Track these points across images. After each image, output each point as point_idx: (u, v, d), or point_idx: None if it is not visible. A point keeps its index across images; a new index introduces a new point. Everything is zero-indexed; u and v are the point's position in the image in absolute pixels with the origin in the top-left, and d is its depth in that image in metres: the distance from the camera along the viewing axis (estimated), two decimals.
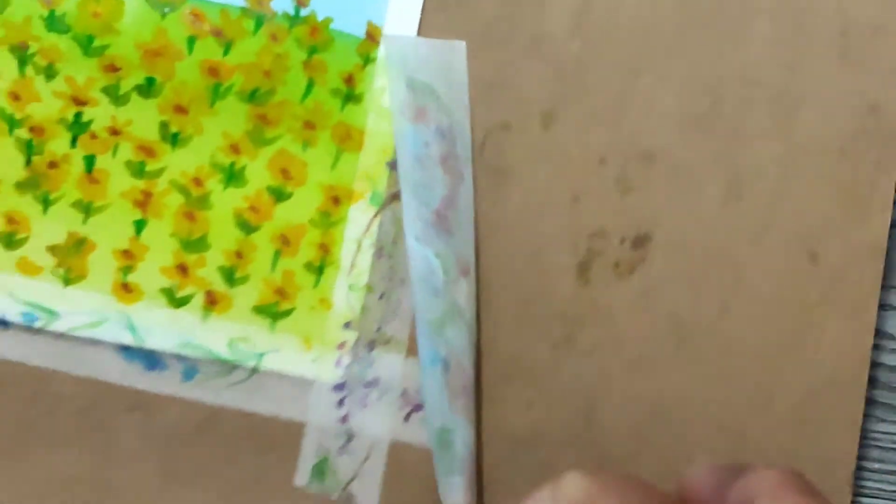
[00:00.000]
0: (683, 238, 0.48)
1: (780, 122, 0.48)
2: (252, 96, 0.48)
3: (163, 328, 0.47)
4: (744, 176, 0.48)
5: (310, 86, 0.48)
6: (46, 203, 0.47)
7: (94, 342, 0.47)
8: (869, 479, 0.58)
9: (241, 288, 0.48)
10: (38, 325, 0.47)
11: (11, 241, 0.47)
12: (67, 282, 0.47)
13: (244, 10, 0.48)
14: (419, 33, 0.47)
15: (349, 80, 0.48)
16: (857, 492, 0.60)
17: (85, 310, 0.47)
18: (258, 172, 0.48)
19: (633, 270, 0.48)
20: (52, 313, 0.47)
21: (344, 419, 0.47)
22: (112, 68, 0.48)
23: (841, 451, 0.47)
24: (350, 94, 0.48)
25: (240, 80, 0.48)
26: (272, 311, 0.47)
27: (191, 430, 0.47)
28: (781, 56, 0.48)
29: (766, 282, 0.48)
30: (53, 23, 0.48)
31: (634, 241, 0.48)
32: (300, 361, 0.47)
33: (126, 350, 0.47)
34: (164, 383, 0.47)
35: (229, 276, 0.48)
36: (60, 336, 0.47)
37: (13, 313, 0.47)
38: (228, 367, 0.47)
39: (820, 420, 0.48)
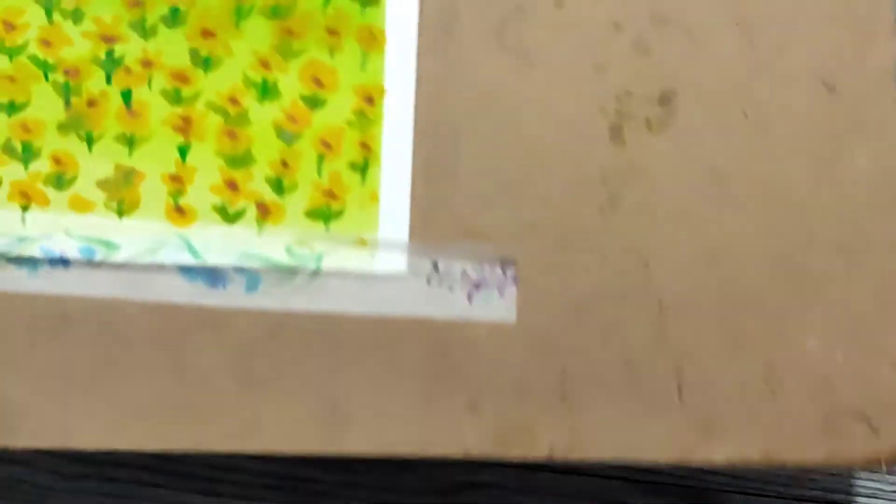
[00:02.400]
0: (706, 90, 0.56)
1: None
2: (275, 12, 0.55)
3: (220, 244, 0.54)
4: (754, 21, 0.56)
5: None
6: (90, 141, 0.54)
7: (156, 267, 0.54)
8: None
9: (291, 196, 0.55)
10: (98, 258, 0.53)
11: (61, 181, 0.54)
12: (121, 213, 0.54)
13: None
14: None
15: None
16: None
17: (142, 238, 0.54)
18: (290, 84, 0.55)
19: (664, 126, 0.55)
20: (110, 245, 0.53)
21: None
22: (136, 3, 0.55)
23: (891, 273, 0.55)
24: None
25: None
26: (324, 213, 0.54)
27: (262, 339, 0.53)
28: None
29: (791, 119, 0.56)
30: None
31: (661, 99, 0.56)
32: (359, 258, 0.54)
33: (187, 271, 0.54)
34: (229, 298, 0.54)
35: (278, 185, 0.55)
36: (122, 266, 0.53)
37: (72, 250, 0.53)
38: (290, 272, 0.54)
39: (864, 246, 0.55)
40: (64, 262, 0.54)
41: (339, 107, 0.55)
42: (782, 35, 0.56)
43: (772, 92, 0.56)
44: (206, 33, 0.55)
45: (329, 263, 0.54)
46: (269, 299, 0.54)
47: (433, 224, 0.55)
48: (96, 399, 0.53)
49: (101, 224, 0.54)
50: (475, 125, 0.55)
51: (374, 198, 0.55)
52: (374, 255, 0.55)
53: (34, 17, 0.55)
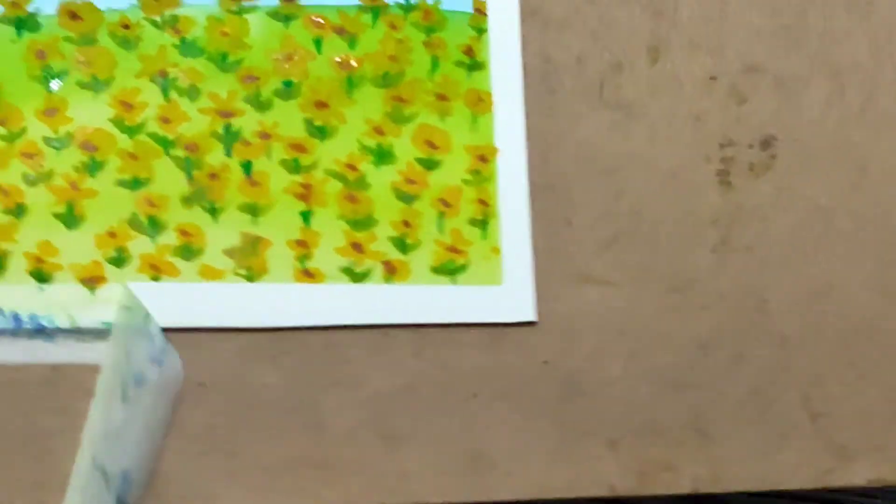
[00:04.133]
0: (802, 133, 0.68)
1: (859, 17, 0.70)
2: (384, 81, 0.67)
3: (347, 302, 0.64)
4: (841, 68, 0.70)
5: (435, 62, 0.68)
6: (214, 212, 0.65)
7: (285, 328, 0.64)
8: None
9: (415, 253, 0.66)
10: (229, 324, 0.64)
11: (189, 252, 0.64)
12: (251, 279, 0.64)
13: (360, 7, 0.68)
14: None
15: (469, 50, 0.68)
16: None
17: (271, 301, 0.64)
18: (405, 148, 0.67)
19: (766, 169, 0.68)
20: (240, 310, 0.64)
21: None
22: (250, 78, 0.66)
23: None
24: (473, 63, 0.68)
25: (370, 68, 0.67)
26: (449, 269, 0.65)
27: (397, 393, 0.64)
28: None
29: (886, 156, 0.69)
30: (186, 48, 0.66)
31: (762, 144, 0.68)
32: (486, 308, 0.65)
33: (317, 329, 0.64)
34: (360, 353, 0.64)
35: (401, 244, 0.66)
36: (252, 331, 0.64)
37: (206, 318, 0.64)
38: (419, 330, 0.65)
39: None
40: (196, 329, 0.64)
41: (455, 167, 0.67)
42: (870, 80, 0.70)
43: (864, 132, 0.69)
44: (320, 104, 0.67)
45: (454, 316, 0.65)
46: (399, 352, 0.64)
47: (553, 272, 0.66)
48: (238, 462, 0.63)
49: (231, 291, 0.64)
50: (585, 177, 0.67)
51: (495, 251, 0.66)
52: (501, 305, 0.66)
53: (151, 97, 0.66)
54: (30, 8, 0.63)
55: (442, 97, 0.64)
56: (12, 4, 0.63)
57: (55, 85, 0.62)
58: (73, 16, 0.63)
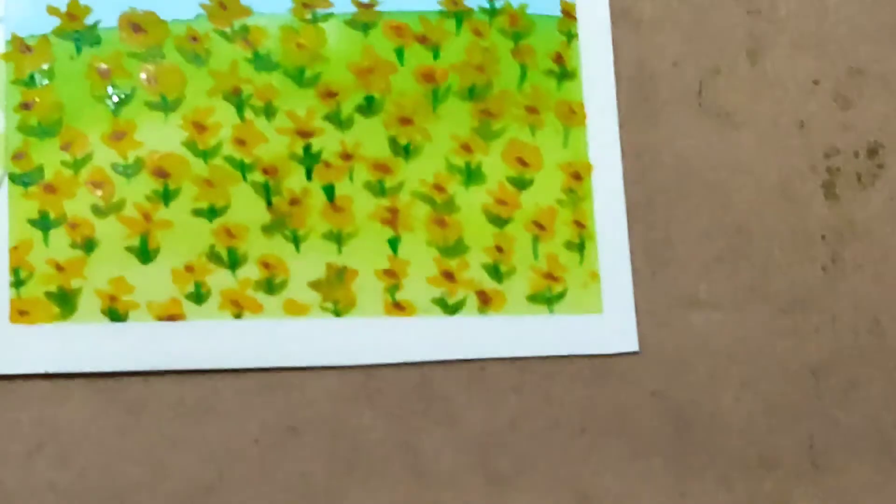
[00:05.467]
0: None
1: None
2: (471, 93, 0.66)
3: (442, 336, 0.64)
4: None
5: (523, 72, 0.66)
6: (297, 241, 0.64)
7: (378, 365, 0.63)
8: None
9: (510, 281, 0.65)
10: (317, 363, 0.63)
11: (272, 286, 0.63)
12: (339, 313, 0.63)
13: (442, 13, 0.66)
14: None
15: (558, 58, 0.67)
16: None
17: (361, 336, 0.63)
18: (495, 166, 0.65)
19: (874, 179, 0.67)
20: (329, 347, 0.63)
21: None
22: (329, 94, 0.65)
23: None
24: (564, 72, 0.67)
25: (455, 79, 0.66)
26: (546, 297, 0.65)
27: (499, 432, 0.63)
28: None
29: None
30: (260, 62, 0.65)
31: (868, 152, 0.68)
32: (590, 340, 0.64)
33: (410, 365, 0.63)
34: (457, 389, 0.63)
35: (495, 272, 0.65)
36: (342, 367, 0.63)
37: (293, 357, 0.63)
38: (517, 363, 0.64)
39: None
40: (282, 370, 0.63)
41: (548, 186, 0.66)
42: None
43: None
44: (404, 120, 0.65)
45: (553, 348, 0.65)
46: (497, 389, 0.64)
47: (655, 297, 0.65)
48: None
49: (319, 326, 0.63)
50: (686, 192, 0.66)
51: (594, 276, 0.65)
52: (602, 335, 0.65)
53: (225, 116, 0.64)
54: (88, 20, 0.61)
55: (532, 110, 0.64)
56: (69, 16, 0.61)
57: (119, 103, 0.60)
58: (137, 28, 0.61)
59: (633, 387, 0.62)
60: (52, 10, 0.62)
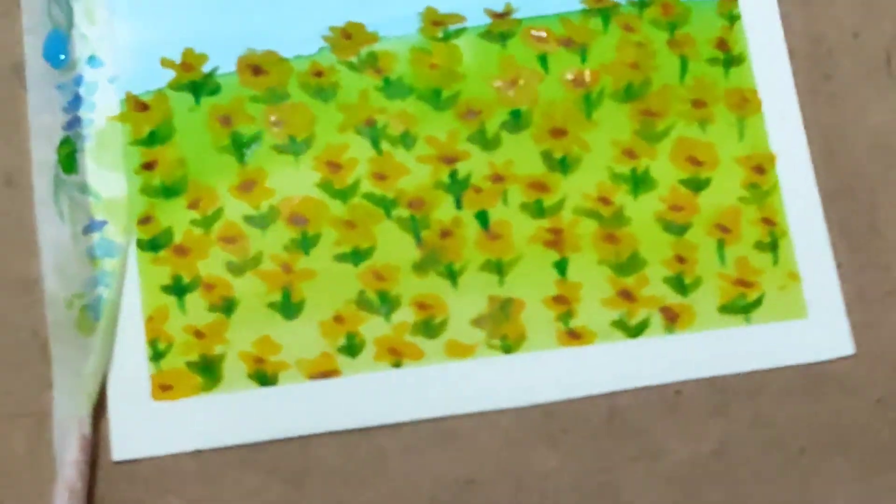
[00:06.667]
0: None
1: None
2: (628, 94, 0.62)
3: (627, 362, 0.59)
4: None
5: (684, 63, 0.62)
6: (453, 276, 0.60)
7: (558, 402, 0.58)
8: None
9: (697, 293, 0.60)
10: (490, 406, 0.58)
11: (431, 328, 0.59)
12: (508, 350, 0.59)
13: (585, 12, 0.62)
14: None
15: (721, 44, 0.62)
16: None
17: (536, 372, 0.59)
18: (664, 169, 0.61)
19: None
20: (501, 388, 0.58)
21: None
22: (471, 113, 0.61)
23: None
24: (729, 58, 0.62)
25: (608, 81, 0.61)
26: (741, 306, 0.59)
27: (705, 462, 0.58)
28: None
29: None
30: (392, 89, 0.61)
31: None
32: (795, 345, 0.59)
33: (595, 398, 0.58)
34: (652, 419, 0.58)
35: (679, 284, 0.60)
36: (518, 409, 0.58)
37: (463, 403, 0.58)
38: (716, 383, 0.58)
39: None
40: (452, 418, 0.58)
41: (727, 184, 0.61)
42: None
43: None
44: (557, 132, 0.61)
45: (756, 361, 0.59)
46: (698, 415, 0.58)
47: (865, 292, 0.60)
48: None
49: (488, 367, 0.59)
50: (885, 171, 0.61)
51: (793, 277, 0.60)
52: (811, 341, 0.59)
53: (361, 151, 0.61)
54: (205, 68, 0.59)
55: (698, 103, 0.59)
56: (184, 66, 0.59)
57: (245, 151, 0.58)
58: (257, 70, 0.59)
59: (853, 395, 0.56)
60: (167, 63, 0.59)
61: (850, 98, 0.59)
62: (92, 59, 0.59)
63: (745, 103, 0.59)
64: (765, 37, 0.60)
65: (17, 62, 0.59)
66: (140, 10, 0.59)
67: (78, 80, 0.59)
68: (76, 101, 0.59)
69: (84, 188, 0.58)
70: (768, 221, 0.58)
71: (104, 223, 0.57)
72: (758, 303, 0.57)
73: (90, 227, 0.57)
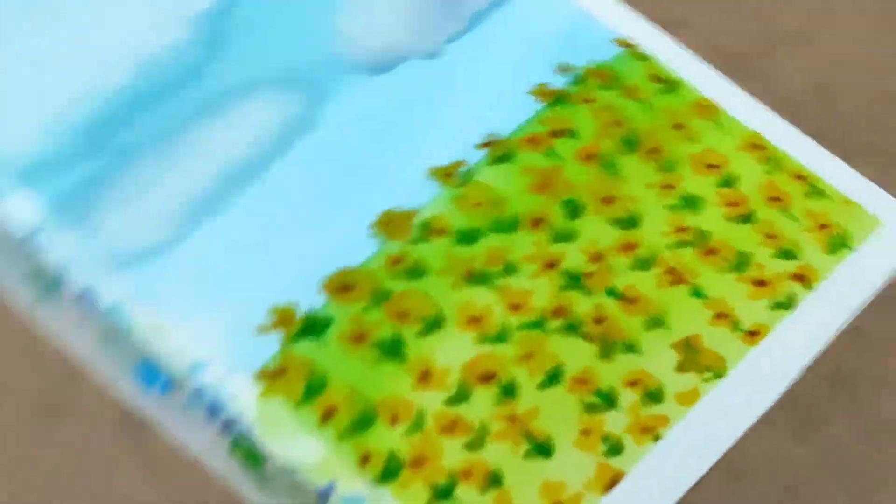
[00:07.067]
0: None
1: None
2: (629, 145, 0.67)
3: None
4: None
5: (641, 104, 0.68)
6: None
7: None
8: None
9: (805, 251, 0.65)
10: None
11: None
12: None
13: (549, 108, 0.67)
14: None
15: (655, 79, 0.69)
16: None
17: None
18: (697, 183, 0.66)
19: None
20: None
21: None
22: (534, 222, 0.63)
23: None
24: (667, 84, 0.69)
25: (608, 144, 0.66)
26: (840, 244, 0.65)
27: (809, 472, 0.62)
28: None
29: None
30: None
31: None
32: None
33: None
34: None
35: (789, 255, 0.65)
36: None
37: None
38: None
39: None
40: None
41: (742, 169, 0.67)
42: None
43: None
44: (608, 200, 0.65)
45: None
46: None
47: None
48: None
49: None
50: None
51: (848, 203, 0.67)
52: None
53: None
54: (300, 313, 0.57)
55: (678, 126, 0.65)
56: (281, 321, 0.56)
57: None
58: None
59: None
60: (265, 329, 0.56)
61: None
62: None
63: (704, 110, 0.65)
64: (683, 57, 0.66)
65: None
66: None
67: (199, 394, 0.55)
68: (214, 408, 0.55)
69: (286, 472, 0.54)
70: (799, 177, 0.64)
71: (330, 487, 0.54)
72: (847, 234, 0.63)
73: (323, 494, 0.53)
